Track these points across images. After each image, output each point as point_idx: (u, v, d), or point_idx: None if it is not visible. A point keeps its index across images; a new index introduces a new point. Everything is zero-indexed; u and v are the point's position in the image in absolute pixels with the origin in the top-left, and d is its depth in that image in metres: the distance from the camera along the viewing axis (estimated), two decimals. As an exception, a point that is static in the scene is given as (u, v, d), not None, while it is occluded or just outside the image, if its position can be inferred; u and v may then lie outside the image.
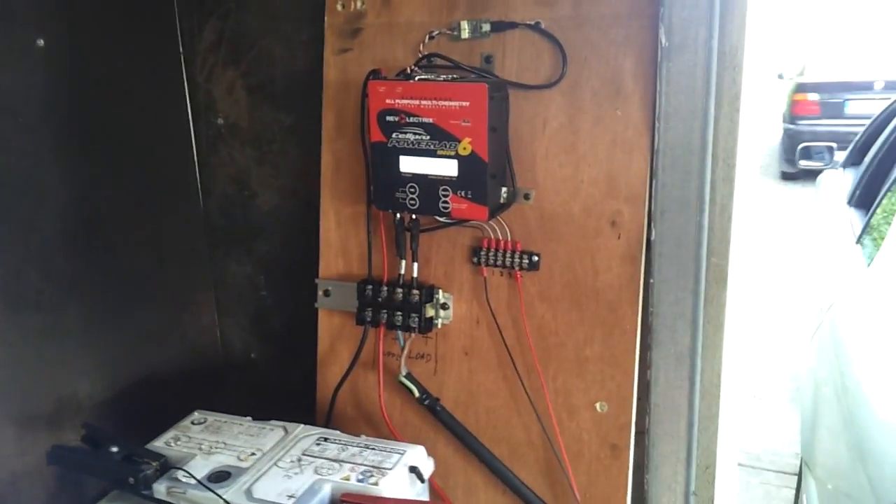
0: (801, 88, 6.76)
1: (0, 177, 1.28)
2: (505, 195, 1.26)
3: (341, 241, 1.44)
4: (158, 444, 1.25)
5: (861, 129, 4.18)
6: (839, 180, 3.56)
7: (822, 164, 4.41)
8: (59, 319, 1.41)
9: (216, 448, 1.23)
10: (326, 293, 1.46)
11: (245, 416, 1.36)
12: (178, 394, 1.66)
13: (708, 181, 1.19)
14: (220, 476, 1.16)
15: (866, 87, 6.53)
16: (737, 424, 1.40)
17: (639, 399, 1.29)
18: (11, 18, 1.29)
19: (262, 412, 1.68)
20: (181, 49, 1.60)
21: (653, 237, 1.23)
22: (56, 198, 1.38)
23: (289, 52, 1.51)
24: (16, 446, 1.35)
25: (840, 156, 4.05)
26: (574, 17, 1.22)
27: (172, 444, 1.25)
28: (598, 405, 1.29)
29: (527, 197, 1.28)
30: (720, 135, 1.18)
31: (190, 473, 1.15)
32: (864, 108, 6.33)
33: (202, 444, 1.24)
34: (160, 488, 1.15)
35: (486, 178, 1.20)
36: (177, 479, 1.15)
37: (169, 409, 1.44)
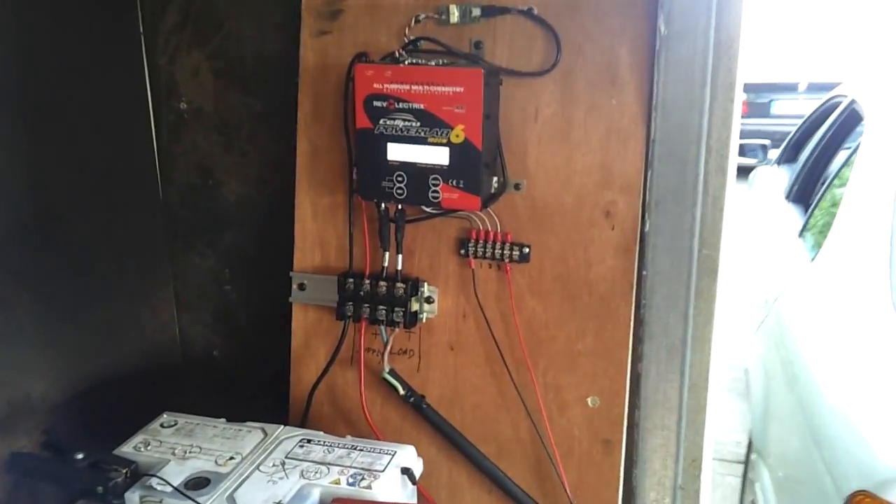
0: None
1: (-54, 163, 1.18)
2: (496, 185, 1.22)
3: (318, 232, 1.38)
4: (127, 450, 1.17)
5: (786, 128, 4.28)
6: (774, 176, 3.65)
7: (755, 160, 4.53)
8: (9, 317, 1.30)
9: (191, 453, 1.15)
10: (301, 287, 1.39)
11: (209, 417, 1.29)
12: (137, 395, 1.56)
13: (702, 172, 1.18)
14: (199, 483, 1.08)
15: (791, 87, 6.78)
16: (717, 416, 1.40)
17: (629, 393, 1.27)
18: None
19: (227, 414, 1.60)
20: (141, 29, 1.51)
21: (647, 228, 1.22)
22: (4, 187, 1.28)
23: (259, 33, 1.43)
24: (-37, 455, 1.24)
25: (773, 153, 4.16)
26: (568, 4, 1.18)
27: (142, 450, 1.17)
28: (589, 400, 1.26)
29: (517, 187, 1.25)
30: (714, 125, 1.17)
31: (165, 480, 1.07)
32: (789, 108, 6.59)
33: (175, 448, 1.16)
34: (133, 497, 1.07)
35: (480, 167, 1.16)
36: (151, 487, 1.07)
37: (129, 411, 1.36)
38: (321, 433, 1.20)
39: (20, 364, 1.33)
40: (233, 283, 1.62)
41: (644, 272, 1.24)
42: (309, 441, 1.18)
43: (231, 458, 1.14)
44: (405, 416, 1.36)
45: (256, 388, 1.63)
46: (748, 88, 6.87)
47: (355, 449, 1.15)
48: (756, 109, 6.76)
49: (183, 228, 1.61)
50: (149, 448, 1.17)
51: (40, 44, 1.32)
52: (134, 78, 1.52)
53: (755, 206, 3.60)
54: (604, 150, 1.20)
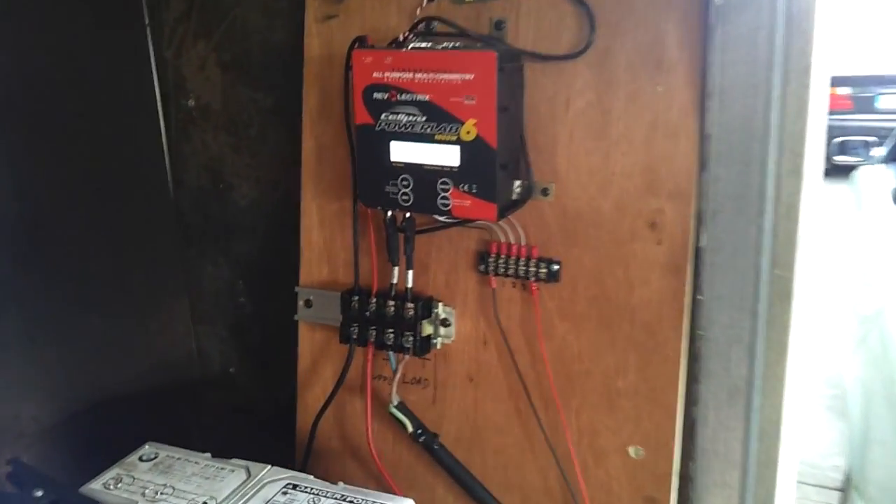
0: (831, 82, 6.51)
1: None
2: (518, 190, 1.03)
3: (325, 242, 1.22)
4: (95, 487, 1.03)
5: (892, 124, 3.93)
6: (880, 176, 3.33)
7: (858, 159, 4.17)
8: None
9: (162, 494, 1.01)
10: (308, 303, 1.24)
11: (222, 441, 1.14)
12: (146, 414, 1.45)
13: (771, 174, 0.96)
14: (161, 534, 0.94)
15: None
16: (795, 468, 1.16)
17: (681, 442, 1.06)
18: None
19: (243, 437, 1.47)
20: (147, 20, 1.38)
21: (702, 243, 1.00)
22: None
23: (266, 20, 1.29)
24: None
25: (877, 151, 3.84)
26: (605, -31, 0.98)
27: (112, 487, 1.03)
28: (631, 449, 1.05)
29: (545, 192, 1.05)
30: (787, 117, 0.94)
31: (123, 531, 0.93)
32: (896, 103, 6.09)
33: (146, 488, 1.02)
34: (87, 547, 0.93)
35: (495, 169, 0.97)
36: (107, 537, 0.93)
37: (136, 431, 1.24)
38: (310, 478, 1.04)
39: (5, 383, 1.23)
40: (247, 296, 1.48)
41: (699, 296, 1.02)
42: (294, 487, 1.01)
43: (203, 503, 0.99)
44: (420, 455, 1.18)
45: (272, 411, 1.49)
46: (851, 82, 6.40)
47: (344, 500, 0.98)
48: (860, 104, 6.28)
49: (196, 235, 1.48)
50: (119, 486, 1.03)
51: (38, 37, 1.22)
52: (140, 73, 1.40)
53: (858, 209, 3.29)
54: (648, 148, 0.99)
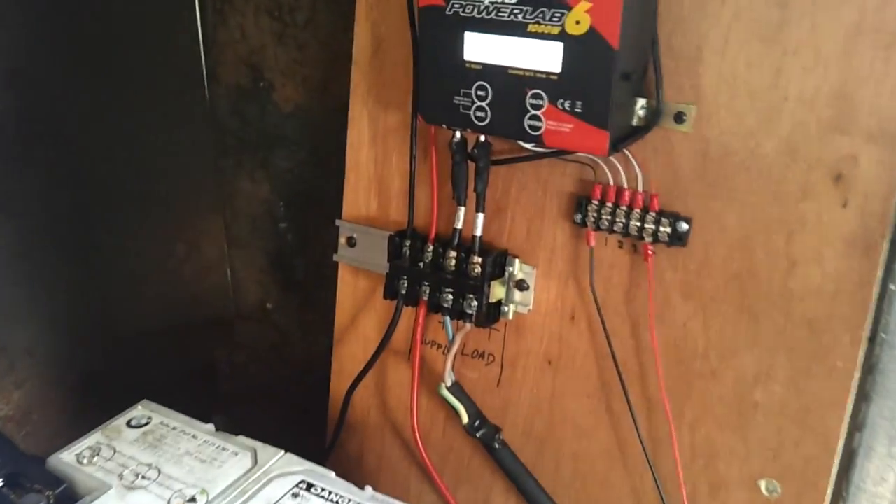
0: None
1: None
2: (642, 112, 0.73)
3: (377, 165, 0.94)
4: (66, 458, 0.82)
5: None
6: None
7: None
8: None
9: (144, 478, 0.78)
10: (350, 242, 0.98)
11: (252, 388, 0.93)
12: (166, 351, 1.25)
13: None
14: (127, 540, 0.72)
15: None
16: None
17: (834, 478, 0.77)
18: None
19: (278, 383, 1.27)
20: None
21: (911, 211, 0.68)
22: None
23: None
24: None
25: None
26: None
27: (85, 462, 0.81)
28: (764, 484, 0.77)
29: (680, 118, 0.74)
30: None
31: (78, 531, 0.71)
32: None
33: (126, 467, 0.80)
34: (35, 543, 0.72)
35: (612, 80, 0.66)
36: (60, 535, 0.72)
37: (151, 370, 1.06)
38: (331, 475, 0.79)
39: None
40: (289, 221, 1.24)
41: (891, 286, 0.71)
42: (308, 487, 0.77)
43: (191, 499, 0.76)
44: (477, 445, 0.92)
45: (311, 360, 1.27)
46: None
47: (368, 515, 0.74)
48: None
49: (232, 143, 1.24)
50: (96, 459, 0.81)
51: None
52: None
53: None
54: (845, 62, 0.66)
